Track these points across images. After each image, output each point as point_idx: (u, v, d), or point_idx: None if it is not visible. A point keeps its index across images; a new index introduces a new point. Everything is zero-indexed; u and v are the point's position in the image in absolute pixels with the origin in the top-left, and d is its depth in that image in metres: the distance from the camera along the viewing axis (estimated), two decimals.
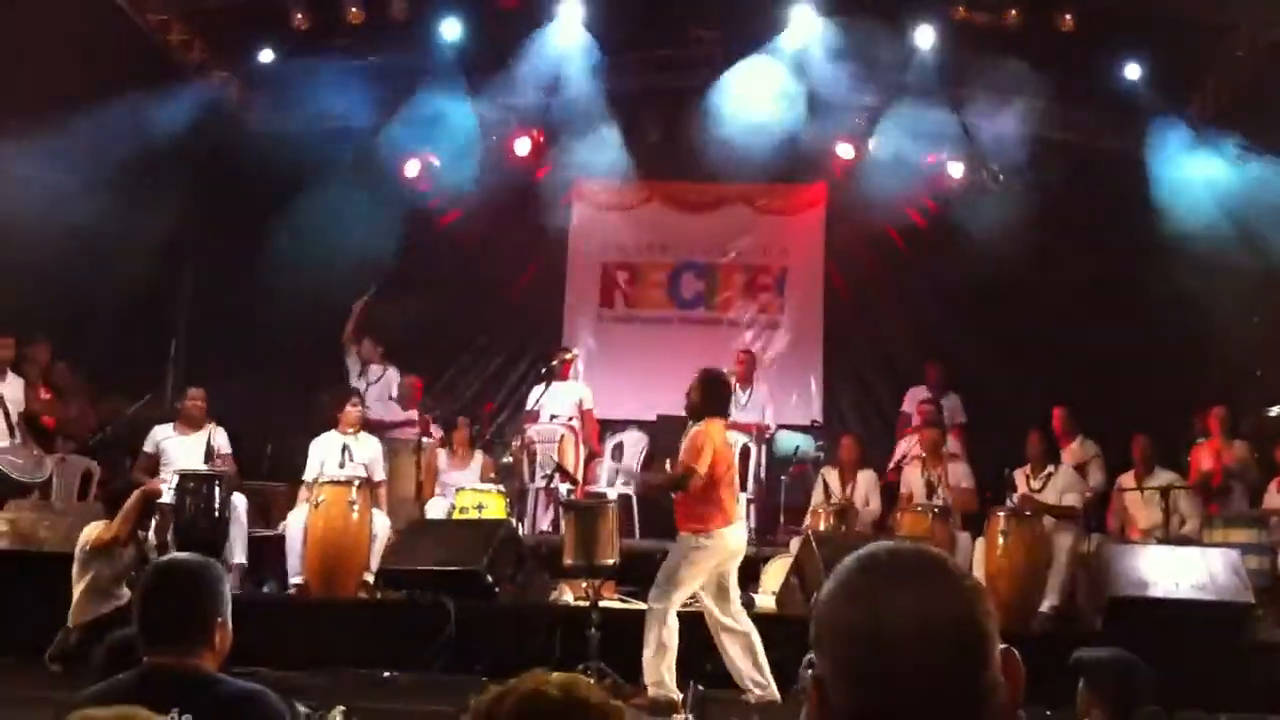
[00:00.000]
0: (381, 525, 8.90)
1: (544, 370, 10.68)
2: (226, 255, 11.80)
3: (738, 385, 10.97)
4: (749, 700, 6.75)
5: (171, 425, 9.40)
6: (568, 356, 10.99)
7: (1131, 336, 11.18)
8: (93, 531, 7.54)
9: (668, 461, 7.37)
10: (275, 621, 7.79)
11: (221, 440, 9.39)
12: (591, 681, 1.65)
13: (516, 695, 1.57)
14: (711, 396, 7.07)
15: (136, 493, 7.58)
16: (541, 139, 12.47)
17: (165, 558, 3.30)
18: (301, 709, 4.66)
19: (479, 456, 10.46)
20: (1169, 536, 8.96)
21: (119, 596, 7.28)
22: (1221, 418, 9.75)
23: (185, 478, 8.71)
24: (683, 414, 7.31)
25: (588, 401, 10.94)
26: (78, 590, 7.42)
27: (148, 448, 9.34)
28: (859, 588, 1.41)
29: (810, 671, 1.44)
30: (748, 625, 6.93)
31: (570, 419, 10.66)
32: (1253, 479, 9.56)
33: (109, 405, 10.45)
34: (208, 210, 11.65)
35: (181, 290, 12.17)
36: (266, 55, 11.84)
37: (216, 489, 8.65)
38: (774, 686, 6.73)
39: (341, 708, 4.72)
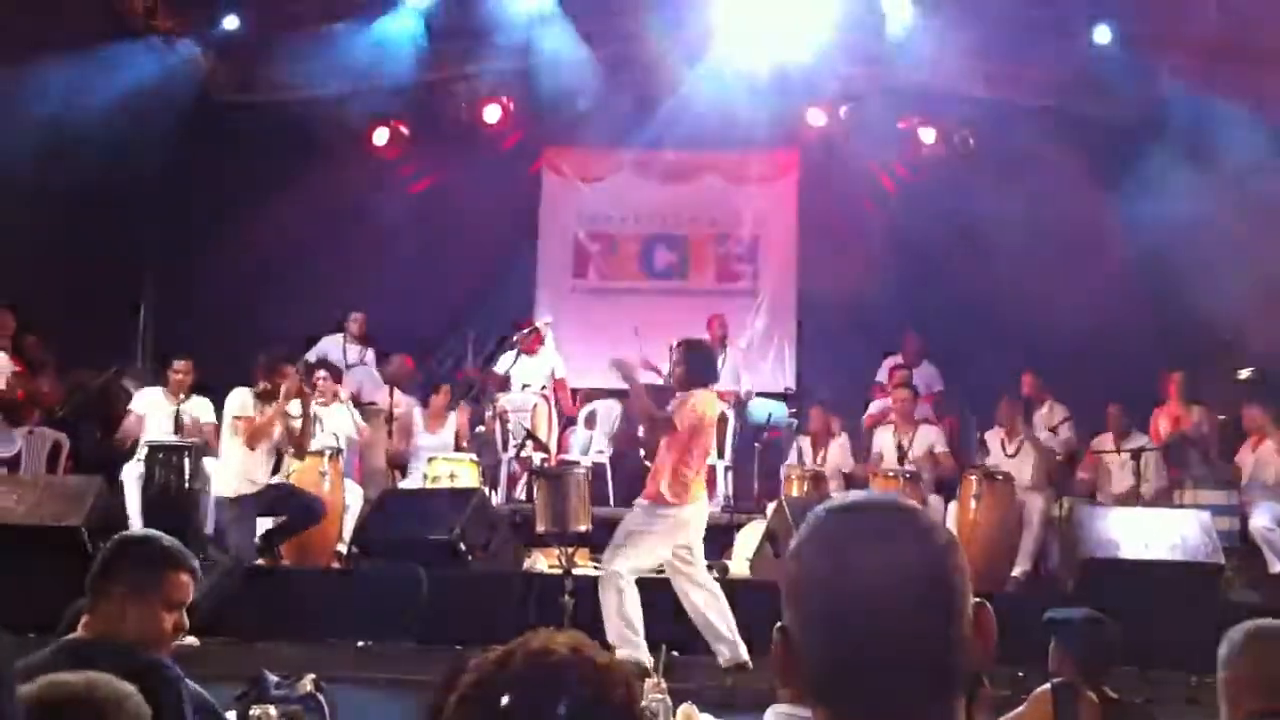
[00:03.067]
0: (354, 495, 8.86)
1: (512, 341, 10.65)
2: (196, 226, 11.67)
3: None
4: (720, 663, 6.76)
5: (160, 391, 9.32)
6: (537, 327, 10.93)
7: (1106, 302, 11.20)
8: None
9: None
10: (249, 590, 7.75)
11: (202, 411, 9.30)
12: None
13: (525, 651, 1.54)
14: (696, 364, 7.07)
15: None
16: (511, 106, 12.33)
17: (136, 531, 3.28)
18: (272, 678, 4.66)
19: (453, 419, 10.40)
20: (1140, 499, 9.03)
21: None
22: (1179, 383, 9.79)
23: (155, 448, 8.69)
24: (655, 384, 7.33)
25: (559, 371, 10.91)
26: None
27: (135, 407, 9.29)
28: (828, 538, 1.39)
29: (777, 623, 1.41)
30: (715, 588, 6.95)
31: (543, 388, 10.62)
32: (1211, 444, 9.62)
33: (75, 377, 10.34)
34: (176, 181, 11.50)
35: (150, 261, 12.02)
36: (232, 22, 11.66)
37: (186, 459, 8.61)
38: (744, 649, 6.74)
39: (312, 676, 4.70)
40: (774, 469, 10.33)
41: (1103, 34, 11.02)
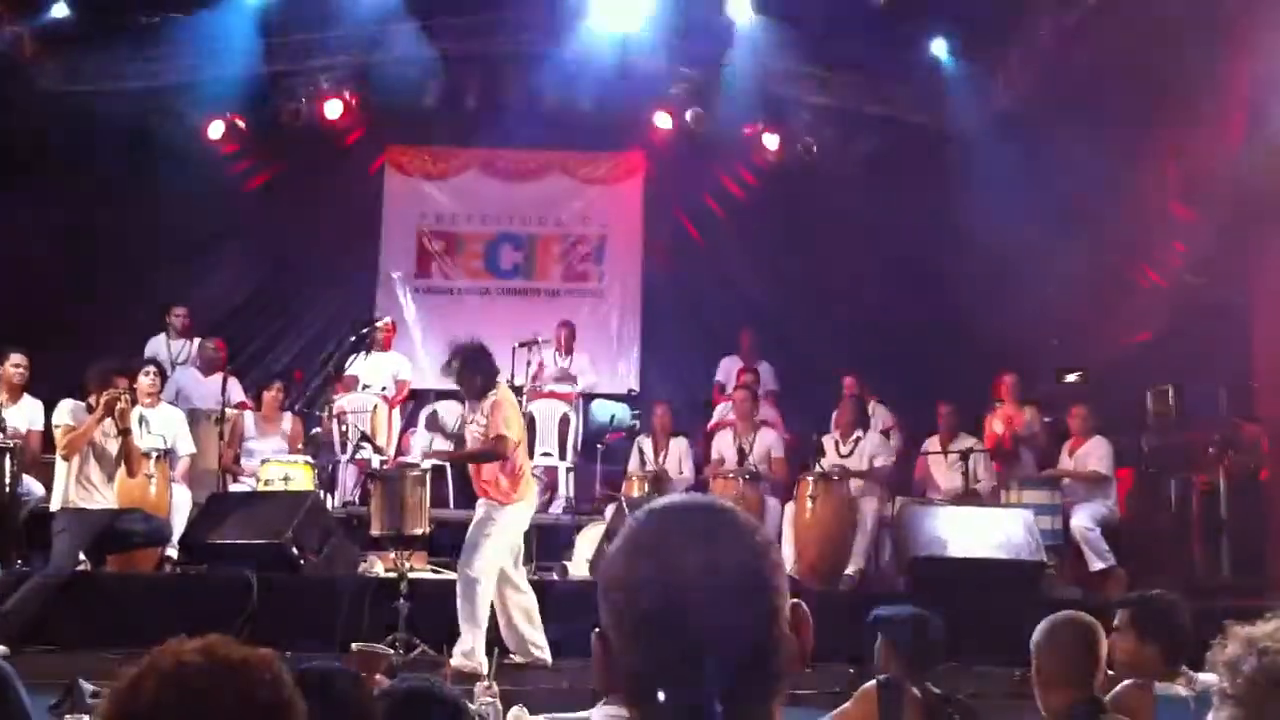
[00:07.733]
0: (183, 498, 8.59)
1: (363, 335, 10.46)
2: (20, 221, 11.15)
3: (558, 354, 11.00)
4: (518, 660, 6.89)
5: None
6: (387, 324, 10.80)
7: (938, 305, 11.51)
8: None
9: (468, 435, 7.31)
10: (71, 597, 7.46)
11: (33, 414, 8.87)
12: (230, 639, 1.56)
13: (156, 676, 1.45)
14: (480, 368, 7.08)
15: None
16: (354, 102, 12.11)
17: None
18: (87, 687, 4.47)
19: (288, 421, 10.13)
20: (967, 499, 9.29)
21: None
22: (1011, 385, 10.11)
23: None
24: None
25: (405, 373, 10.77)
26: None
27: None
28: (646, 540, 1.38)
29: (595, 628, 1.40)
30: (529, 589, 7.10)
31: (383, 389, 10.46)
32: (1041, 444, 9.97)
33: None
34: None
35: None
36: (61, 10, 11.18)
37: (6, 463, 8.23)
38: (548, 651, 6.93)
39: None
40: (616, 470, 10.34)
41: (939, 47, 11.33)
